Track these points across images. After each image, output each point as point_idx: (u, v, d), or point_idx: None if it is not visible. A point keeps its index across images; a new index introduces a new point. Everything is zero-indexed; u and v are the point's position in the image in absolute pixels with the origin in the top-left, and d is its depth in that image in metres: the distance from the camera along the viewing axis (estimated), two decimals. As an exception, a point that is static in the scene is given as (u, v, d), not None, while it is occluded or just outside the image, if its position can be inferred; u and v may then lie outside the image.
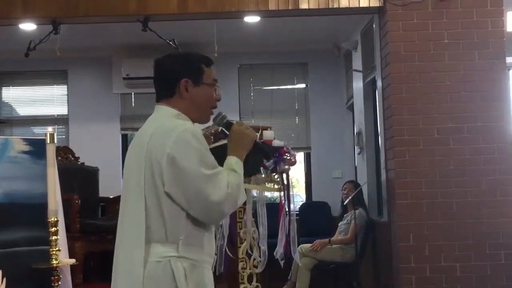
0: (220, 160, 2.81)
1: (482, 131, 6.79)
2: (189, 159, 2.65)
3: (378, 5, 6.97)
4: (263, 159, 3.07)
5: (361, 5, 6.97)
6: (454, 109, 6.82)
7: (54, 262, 4.29)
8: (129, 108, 10.12)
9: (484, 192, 6.74)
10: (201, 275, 2.74)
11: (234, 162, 2.79)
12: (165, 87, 2.87)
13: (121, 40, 9.29)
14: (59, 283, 4.34)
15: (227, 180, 2.69)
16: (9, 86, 10.31)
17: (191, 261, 2.71)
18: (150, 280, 2.67)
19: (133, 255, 2.70)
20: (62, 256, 4.46)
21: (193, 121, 2.87)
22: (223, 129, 3.00)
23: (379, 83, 7.44)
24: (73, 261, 4.68)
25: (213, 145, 3.04)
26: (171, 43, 7.60)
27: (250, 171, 2.98)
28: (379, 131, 7.71)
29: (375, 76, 7.79)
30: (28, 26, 7.72)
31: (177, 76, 2.84)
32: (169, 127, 2.73)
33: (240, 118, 9.37)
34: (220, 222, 2.82)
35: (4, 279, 4.44)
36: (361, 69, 8.55)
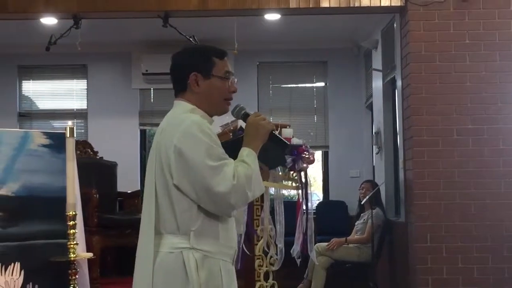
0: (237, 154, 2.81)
1: (502, 133, 6.75)
2: (195, 151, 2.66)
3: (399, 4, 6.93)
4: (282, 150, 3.01)
5: (382, 4, 6.94)
6: (474, 110, 6.78)
7: (72, 255, 4.31)
8: (148, 104, 10.14)
9: (503, 194, 6.70)
10: (214, 267, 2.74)
11: (246, 153, 2.77)
12: (178, 82, 2.90)
13: (141, 35, 9.31)
14: (77, 276, 4.36)
15: (234, 171, 2.66)
16: (29, 80, 10.36)
17: (204, 252, 2.72)
18: (161, 271, 2.71)
19: (145, 246, 2.76)
20: (79, 250, 4.48)
21: (209, 114, 2.87)
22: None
23: (399, 83, 7.41)
24: (90, 255, 4.69)
25: (231, 139, 3.03)
26: (191, 39, 7.61)
27: (273, 162, 2.95)
28: (398, 131, 7.68)
29: (395, 76, 7.76)
30: (49, 21, 7.76)
31: (186, 70, 2.86)
32: (178, 121, 2.76)
33: (258, 115, 9.34)
34: (233, 213, 2.75)
35: (22, 272, 4.47)
36: (381, 69, 8.52)
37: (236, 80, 2.95)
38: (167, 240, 2.73)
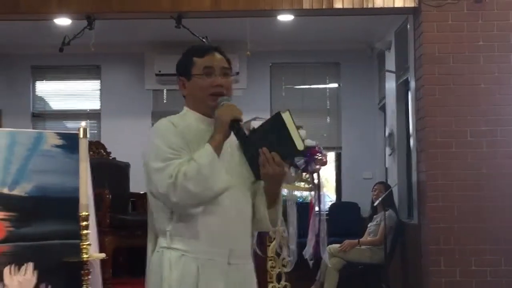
0: (250, 156, 2.73)
1: (516, 135, 6.72)
2: (148, 154, 2.76)
3: (413, 5, 6.91)
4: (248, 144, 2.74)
5: (395, 5, 6.92)
6: (487, 111, 6.74)
7: (85, 256, 4.31)
8: (160, 104, 10.16)
9: (516, 197, 6.67)
10: (190, 266, 2.72)
11: (200, 149, 2.71)
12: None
13: (154, 36, 9.33)
14: (89, 277, 4.36)
15: (173, 170, 2.65)
16: (43, 80, 10.40)
17: (180, 251, 2.73)
18: (151, 269, 2.81)
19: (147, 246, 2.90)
20: (92, 250, 4.48)
21: (203, 114, 2.85)
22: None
23: (412, 84, 7.39)
24: (103, 255, 4.69)
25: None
26: (204, 40, 7.62)
27: (283, 152, 2.71)
28: (411, 133, 7.65)
29: (408, 77, 7.73)
30: (63, 21, 7.79)
31: (176, 77, 2.92)
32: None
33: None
34: (193, 210, 2.69)
35: (35, 272, 4.48)
36: (394, 70, 8.50)
37: (223, 73, 2.85)
38: (158, 241, 2.81)
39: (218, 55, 2.88)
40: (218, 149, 2.68)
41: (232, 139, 2.79)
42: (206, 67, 2.84)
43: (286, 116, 2.73)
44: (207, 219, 2.73)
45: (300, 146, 2.69)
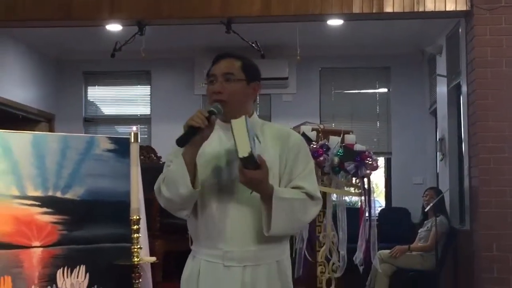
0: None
1: None
2: None
3: (465, 9, 6.81)
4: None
5: (447, 9, 6.83)
6: (542, 116, 6.62)
7: (136, 259, 4.35)
8: (210, 109, 10.19)
9: None
10: (195, 267, 2.84)
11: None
12: None
13: (204, 41, 9.38)
14: (140, 280, 4.40)
15: (161, 177, 2.84)
16: (95, 86, 10.55)
17: (193, 252, 2.89)
18: None
19: None
20: (143, 254, 4.52)
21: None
22: None
23: (464, 89, 7.29)
24: (153, 259, 4.73)
25: None
26: (253, 45, 7.63)
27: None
28: (463, 138, 7.55)
29: (460, 82, 7.63)
30: (114, 27, 7.88)
31: None
32: None
33: (320, 121, 9.32)
34: (181, 213, 2.82)
35: (87, 274, 4.53)
36: (445, 74, 8.40)
37: (225, 79, 2.86)
38: None
39: (223, 62, 2.90)
40: (187, 154, 2.74)
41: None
42: (209, 76, 2.91)
43: (235, 122, 2.67)
44: (204, 220, 2.81)
45: (242, 152, 2.58)
